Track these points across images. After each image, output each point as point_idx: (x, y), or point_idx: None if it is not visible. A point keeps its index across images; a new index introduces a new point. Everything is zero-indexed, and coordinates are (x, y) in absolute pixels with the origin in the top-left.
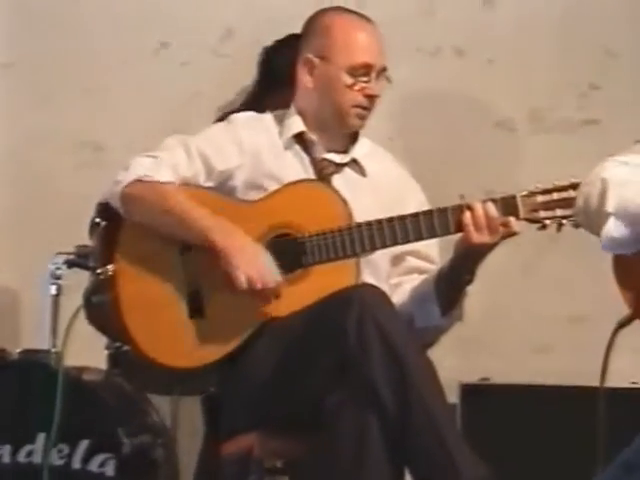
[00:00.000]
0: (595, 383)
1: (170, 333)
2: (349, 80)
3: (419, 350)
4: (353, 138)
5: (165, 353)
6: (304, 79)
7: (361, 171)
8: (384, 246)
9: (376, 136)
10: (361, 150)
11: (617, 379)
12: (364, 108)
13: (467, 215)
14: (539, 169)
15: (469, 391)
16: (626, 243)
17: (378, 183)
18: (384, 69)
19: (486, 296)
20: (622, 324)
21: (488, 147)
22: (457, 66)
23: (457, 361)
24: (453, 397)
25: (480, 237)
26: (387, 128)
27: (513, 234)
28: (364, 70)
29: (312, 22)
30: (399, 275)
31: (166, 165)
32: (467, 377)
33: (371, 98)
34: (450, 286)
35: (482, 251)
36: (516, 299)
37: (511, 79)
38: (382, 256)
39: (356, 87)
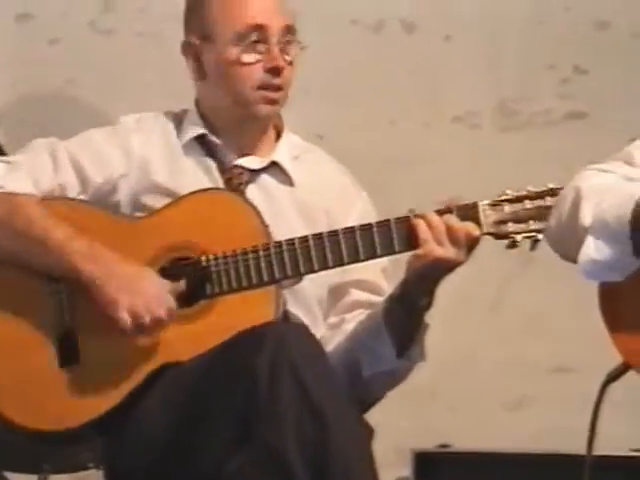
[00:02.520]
0: (581, 449)
1: (35, 387)
2: (237, 51)
3: (347, 408)
4: (276, 136)
5: (27, 412)
6: (191, 70)
7: (286, 179)
8: (311, 271)
9: (301, 133)
10: (286, 152)
11: (608, 445)
12: (271, 88)
13: (423, 228)
14: (510, 175)
15: (424, 460)
16: (610, 266)
17: (309, 194)
18: (288, 30)
19: (445, 339)
20: (613, 376)
21: (445, 147)
22: (405, 44)
23: (409, 423)
24: (405, 469)
25: (445, 252)
26: (315, 123)
27: (475, 242)
28: (256, 35)
29: None
30: (341, 312)
31: (23, 172)
32: (422, 443)
33: (276, 71)
34: (405, 316)
35: (445, 269)
36: (482, 342)
37: (474, 61)
38: (315, 287)
39: (249, 59)
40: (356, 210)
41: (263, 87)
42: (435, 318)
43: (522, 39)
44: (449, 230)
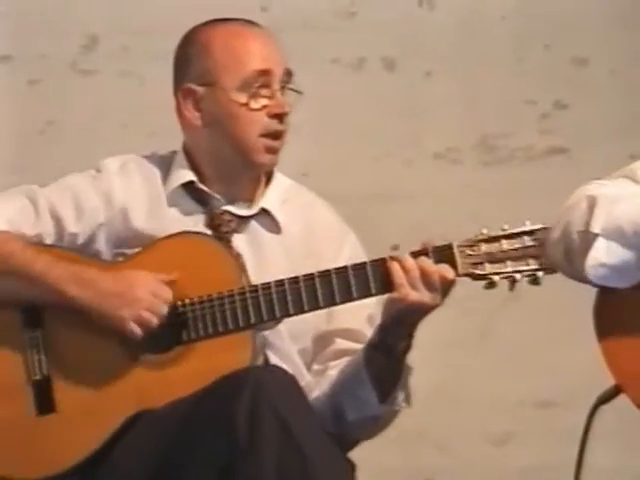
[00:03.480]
0: None
1: (12, 436)
2: (244, 98)
3: (329, 445)
4: (266, 180)
5: (5, 463)
6: (189, 116)
7: (274, 226)
8: (287, 315)
9: (286, 172)
10: (275, 197)
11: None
12: (275, 136)
13: (398, 272)
14: (492, 210)
15: None
16: (619, 271)
17: (298, 240)
18: (289, 76)
19: (430, 375)
20: (604, 399)
21: (426, 183)
22: (386, 82)
23: (396, 459)
24: None
25: (419, 296)
26: (299, 161)
27: (450, 285)
28: (262, 81)
29: (185, 45)
30: (325, 360)
31: (3, 220)
32: (410, 479)
33: (280, 118)
34: (385, 362)
35: (421, 312)
36: (467, 379)
37: (454, 97)
38: (293, 335)
39: (256, 105)
40: (344, 253)
41: (266, 134)
42: (420, 354)
43: (502, 75)
44: (423, 274)
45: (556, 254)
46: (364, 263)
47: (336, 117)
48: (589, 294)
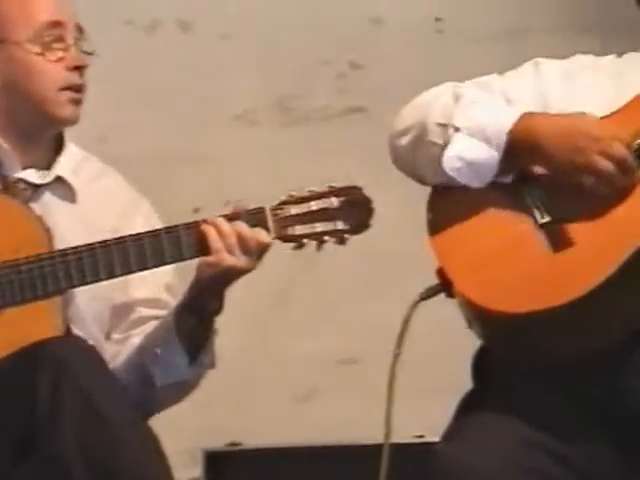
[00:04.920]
0: (373, 440)
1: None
2: (38, 49)
3: (135, 417)
4: (57, 147)
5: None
6: None
7: (68, 194)
8: (98, 280)
9: (83, 137)
10: (68, 165)
11: (395, 433)
12: (75, 88)
13: (214, 236)
14: (291, 170)
15: (215, 459)
16: (477, 166)
17: (91, 211)
18: (80, 32)
19: (232, 336)
20: (426, 295)
21: (226, 146)
22: (181, 43)
23: (199, 423)
24: (196, 468)
25: (236, 260)
26: (97, 126)
27: (265, 249)
28: (54, 33)
29: None
30: (127, 329)
31: None
32: (212, 442)
33: (80, 71)
34: (196, 322)
35: (236, 275)
36: (269, 338)
37: (251, 60)
38: (94, 306)
39: (52, 57)
40: (138, 222)
41: (66, 88)
42: (222, 315)
43: (297, 36)
44: (240, 239)
45: (401, 145)
46: (177, 226)
47: (132, 80)
48: (384, 257)
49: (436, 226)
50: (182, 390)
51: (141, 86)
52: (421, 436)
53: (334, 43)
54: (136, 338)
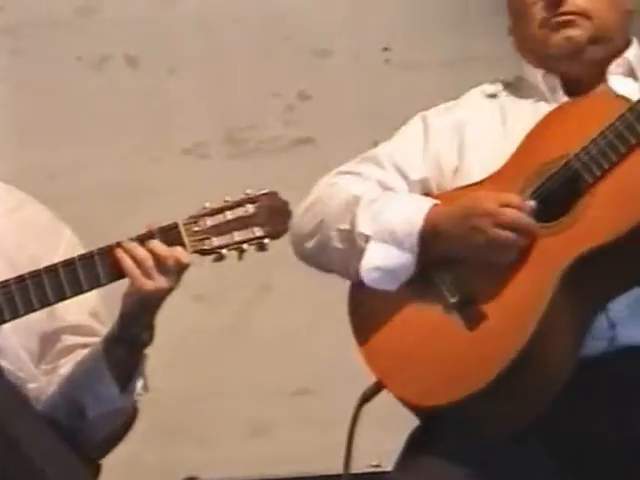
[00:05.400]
0: (328, 470)
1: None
2: None
3: (59, 451)
4: None
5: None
6: None
7: None
8: (17, 316)
9: (32, 174)
10: None
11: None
12: None
13: (128, 263)
14: None
15: None
16: (394, 272)
17: (12, 241)
18: None
19: (186, 368)
20: (367, 396)
21: (176, 180)
22: (130, 78)
23: (156, 458)
24: None
25: (155, 284)
26: (44, 163)
27: (185, 267)
28: None
29: None
30: (55, 359)
31: None
32: (169, 477)
33: None
34: (126, 353)
35: (158, 299)
36: (225, 371)
37: (199, 93)
38: (21, 337)
39: None
40: (60, 251)
41: None
42: (176, 347)
43: (246, 69)
44: (157, 260)
45: (306, 249)
46: (91, 253)
47: (81, 115)
48: (341, 284)
49: (361, 331)
50: (116, 418)
51: (90, 121)
52: (377, 465)
53: (282, 75)
54: (65, 368)
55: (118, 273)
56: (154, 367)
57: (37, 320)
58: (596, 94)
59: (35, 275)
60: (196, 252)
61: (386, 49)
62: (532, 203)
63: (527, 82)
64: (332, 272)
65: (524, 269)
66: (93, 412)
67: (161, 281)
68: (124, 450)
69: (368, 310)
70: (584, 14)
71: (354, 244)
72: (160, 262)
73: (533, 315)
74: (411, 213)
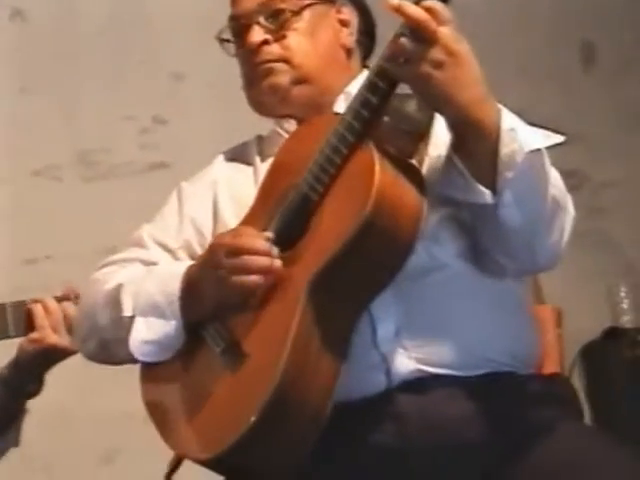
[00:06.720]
0: None
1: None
2: None
3: None
4: None
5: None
6: None
7: None
8: None
9: None
10: None
11: None
12: None
13: (40, 313)
14: (93, 227)
15: None
16: (162, 344)
17: None
18: None
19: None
20: (172, 469)
21: (26, 203)
22: None
23: None
24: None
25: (59, 339)
26: None
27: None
28: None
29: None
30: None
31: None
32: None
33: None
34: (10, 399)
35: (59, 356)
36: (74, 396)
37: (52, 114)
38: None
39: None
40: None
41: None
42: None
43: (100, 91)
44: (67, 319)
45: (88, 347)
46: (4, 304)
47: None
48: None
49: (152, 407)
50: None
51: None
52: None
53: (137, 98)
54: None
55: (28, 327)
56: None
57: None
58: (317, 117)
59: None
60: None
61: None
62: (269, 234)
63: (271, 136)
64: (124, 363)
65: (273, 300)
66: None
67: (65, 339)
68: None
69: (154, 384)
70: (281, 59)
71: (125, 328)
72: (69, 321)
73: (284, 344)
74: (168, 281)
